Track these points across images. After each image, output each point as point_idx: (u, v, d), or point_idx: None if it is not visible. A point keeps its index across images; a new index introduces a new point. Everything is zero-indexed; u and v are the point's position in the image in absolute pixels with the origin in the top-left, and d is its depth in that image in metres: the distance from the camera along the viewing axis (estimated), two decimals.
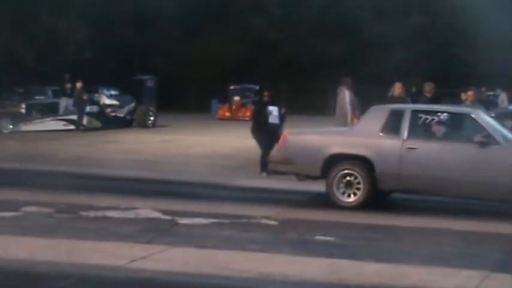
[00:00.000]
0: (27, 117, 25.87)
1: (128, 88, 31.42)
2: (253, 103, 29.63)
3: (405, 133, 11.01)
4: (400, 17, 44.08)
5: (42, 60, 35.80)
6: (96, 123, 26.74)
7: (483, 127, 10.85)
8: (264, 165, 13.65)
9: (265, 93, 15.69)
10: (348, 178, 11.07)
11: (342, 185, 11.08)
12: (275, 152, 11.95)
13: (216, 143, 22.08)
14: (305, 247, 8.34)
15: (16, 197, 10.83)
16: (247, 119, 24.99)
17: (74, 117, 25.84)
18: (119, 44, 39.72)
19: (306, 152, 11.44)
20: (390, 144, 11.04)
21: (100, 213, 9.91)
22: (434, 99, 14.88)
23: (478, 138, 10.68)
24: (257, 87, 36.47)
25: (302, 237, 8.98)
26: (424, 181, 10.91)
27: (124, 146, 20.61)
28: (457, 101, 15.81)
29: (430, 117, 11.17)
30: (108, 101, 28.65)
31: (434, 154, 10.88)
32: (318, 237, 8.91)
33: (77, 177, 13.79)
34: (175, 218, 9.71)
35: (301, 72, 42.71)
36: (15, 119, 25.29)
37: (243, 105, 36.21)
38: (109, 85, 32.12)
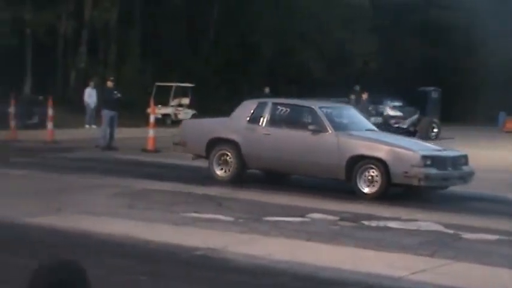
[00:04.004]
0: None
1: (411, 99, 31.32)
2: None
3: (264, 121, 13.23)
4: None
5: (330, 72, 37.00)
6: None
7: (319, 117, 12.82)
8: None
9: None
10: (224, 157, 13.44)
11: (220, 162, 13.46)
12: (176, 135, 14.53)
13: (504, 157, 21.18)
14: None
15: (304, 204, 11.36)
16: None
17: None
18: (404, 54, 39.77)
19: (195, 135, 14.00)
20: (252, 130, 13.27)
21: (381, 224, 10.04)
22: None
23: (311, 127, 12.76)
24: None
25: None
26: (275, 162, 13.05)
27: None
28: None
29: (284, 109, 13.31)
30: (391, 112, 28.79)
31: (281, 139, 13.03)
32: None
33: None
34: (458, 232, 9.54)
35: None
36: None
37: None
38: (393, 96, 32.28)
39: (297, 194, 12.33)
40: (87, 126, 26.47)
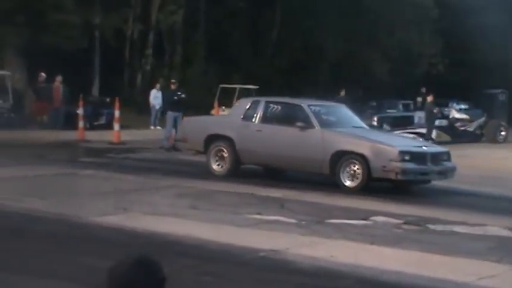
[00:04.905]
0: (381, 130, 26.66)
1: (478, 102, 30.74)
2: None
3: (257, 118, 13.91)
4: None
5: (395, 74, 36.63)
6: (445, 137, 26.60)
7: (307, 115, 13.41)
8: None
9: None
10: (221, 153, 14.10)
11: (216, 158, 14.13)
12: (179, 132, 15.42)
13: None
14: None
15: (367, 206, 11.27)
16: None
17: (424, 130, 26.00)
18: (470, 56, 39.11)
19: (194, 132, 14.75)
20: (246, 127, 13.95)
21: (447, 228, 9.89)
22: None
23: (299, 123, 13.32)
24: None
25: None
26: (267, 157, 13.67)
27: (472, 160, 20.18)
28: None
29: (275, 106, 14.03)
30: (457, 115, 28.32)
31: (272, 135, 13.64)
32: None
33: (425, 190, 13.83)
34: None
35: None
36: None
37: None
38: (459, 99, 31.79)
39: (360, 197, 12.23)
40: (152, 127, 26.83)
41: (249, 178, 13.68)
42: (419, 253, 8.23)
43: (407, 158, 12.57)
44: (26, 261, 7.14)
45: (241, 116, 14.22)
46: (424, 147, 13.49)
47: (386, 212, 10.76)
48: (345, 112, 14.82)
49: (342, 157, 12.85)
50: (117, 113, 20.99)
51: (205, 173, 14.36)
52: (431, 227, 9.92)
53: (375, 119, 27.27)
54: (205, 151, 14.37)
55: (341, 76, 37.16)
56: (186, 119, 16.02)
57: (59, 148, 18.62)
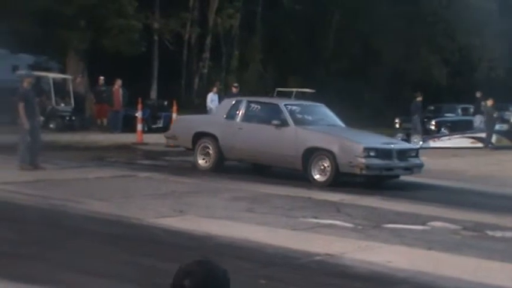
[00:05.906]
0: (436, 134, 26.35)
1: None
2: None
3: (238, 117, 14.80)
4: None
5: (454, 78, 36.14)
6: (506, 142, 26.11)
7: (283, 113, 14.21)
8: None
9: None
10: (206, 149, 15.01)
11: (202, 154, 15.03)
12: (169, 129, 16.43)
13: None
14: None
15: (425, 212, 11.15)
16: None
17: (483, 135, 25.58)
18: None
19: (183, 130, 15.73)
20: (228, 125, 14.87)
21: (508, 234, 9.73)
22: None
23: (275, 121, 14.11)
24: None
25: None
26: (246, 153, 14.53)
27: None
28: None
29: (256, 106, 14.91)
30: None
31: (251, 133, 14.49)
32: None
33: (485, 196, 13.69)
34: None
35: None
36: (425, 136, 25.92)
37: None
38: None
39: (417, 202, 12.12)
40: None
41: (303, 181, 13.68)
42: (477, 259, 8.11)
43: (372, 154, 13.25)
44: (86, 261, 7.29)
45: (225, 115, 15.14)
46: (391, 144, 14.08)
47: (444, 217, 10.64)
48: (323, 111, 15.49)
49: (313, 153, 13.55)
50: (174, 116, 21.20)
51: (262, 177, 14.41)
52: (490, 233, 9.77)
53: (433, 123, 26.93)
54: (193, 147, 15.26)
55: (401, 80, 36.85)
56: (176, 117, 16.71)
57: (117, 150, 18.92)
